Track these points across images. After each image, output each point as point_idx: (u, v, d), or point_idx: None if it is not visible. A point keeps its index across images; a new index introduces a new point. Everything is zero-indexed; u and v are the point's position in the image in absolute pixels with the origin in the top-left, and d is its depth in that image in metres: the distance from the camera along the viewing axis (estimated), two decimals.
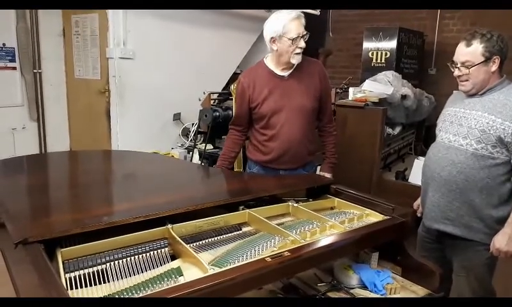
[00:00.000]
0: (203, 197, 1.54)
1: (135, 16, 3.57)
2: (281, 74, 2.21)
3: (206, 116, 3.24)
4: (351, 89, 3.17)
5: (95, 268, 1.06)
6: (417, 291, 1.39)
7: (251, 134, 2.37)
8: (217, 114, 3.25)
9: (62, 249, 1.10)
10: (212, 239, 1.30)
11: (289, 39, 2.08)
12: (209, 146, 3.46)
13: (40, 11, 3.81)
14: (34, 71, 3.84)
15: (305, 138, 2.24)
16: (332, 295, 1.35)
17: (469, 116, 1.85)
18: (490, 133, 1.77)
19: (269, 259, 1.09)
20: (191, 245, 1.23)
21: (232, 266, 1.08)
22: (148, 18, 3.64)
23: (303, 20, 2.11)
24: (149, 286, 0.98)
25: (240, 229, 1.39)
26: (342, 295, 1.35)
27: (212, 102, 3.53)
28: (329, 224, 1.41)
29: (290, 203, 1.58)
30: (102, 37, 3.64)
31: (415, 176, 3.03)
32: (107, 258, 1.11)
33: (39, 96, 3.91)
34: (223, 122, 3.18)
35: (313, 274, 1.46)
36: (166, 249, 1.20)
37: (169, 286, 0.98)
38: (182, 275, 1.06)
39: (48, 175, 2.00)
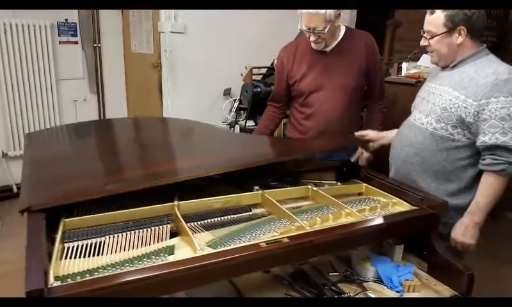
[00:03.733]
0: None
1: None
2: (323, 49, 2.08)
3: (247, 91, 3.17)
4: (404, 65, 2.91)
5: (93, 240, 1.08)
6: (442, 291, 1.26)
7: (290, 112, 2.30)
8: (259, 89, 3.15)
9: (66, 219, 1.13)
10: (218, 219, 1.27)
11: (301, 27, 2.02)
12: (250, 123, 3.40)
13: None
14: (94, 45, 4.04)
15: (345, 118, 2.10)
16: (343, 286, 1.26)
17: (437, 91, 1.62)
18: (451, 111, 1.53)
19: (263, 244, 1.04)
20: (195, 223, 1.21)
21: (226, 248, 1.05)
22: None
23: (314, 17, 1.96)
24: (134, 263, 0.98)
25: (250, 211, 1.34)
26: (353, 287, 1.26)
27: (256, 76, 3.45)
28: (346, 212, 1.31)
29: (309, 186, 1.50)
30: (155, 11, 3.70)
31: None
32: (107, 231, 1.12)
33: (98, 70, 4.12)
34: (265, 98, 3.09)
35: (327, 262, 1.38)
36: (169, 225, 1.19)
37: (155, 264, 0.96)
38: (173, 254, 1.05)
39: (88, 142, 1.99)
